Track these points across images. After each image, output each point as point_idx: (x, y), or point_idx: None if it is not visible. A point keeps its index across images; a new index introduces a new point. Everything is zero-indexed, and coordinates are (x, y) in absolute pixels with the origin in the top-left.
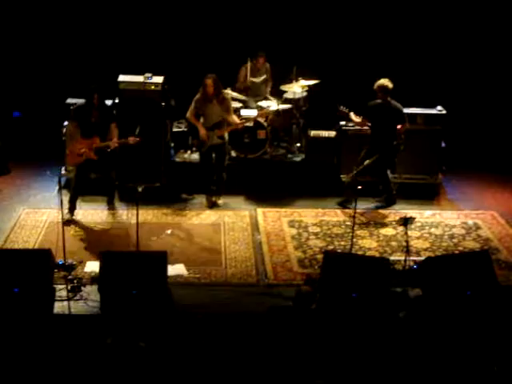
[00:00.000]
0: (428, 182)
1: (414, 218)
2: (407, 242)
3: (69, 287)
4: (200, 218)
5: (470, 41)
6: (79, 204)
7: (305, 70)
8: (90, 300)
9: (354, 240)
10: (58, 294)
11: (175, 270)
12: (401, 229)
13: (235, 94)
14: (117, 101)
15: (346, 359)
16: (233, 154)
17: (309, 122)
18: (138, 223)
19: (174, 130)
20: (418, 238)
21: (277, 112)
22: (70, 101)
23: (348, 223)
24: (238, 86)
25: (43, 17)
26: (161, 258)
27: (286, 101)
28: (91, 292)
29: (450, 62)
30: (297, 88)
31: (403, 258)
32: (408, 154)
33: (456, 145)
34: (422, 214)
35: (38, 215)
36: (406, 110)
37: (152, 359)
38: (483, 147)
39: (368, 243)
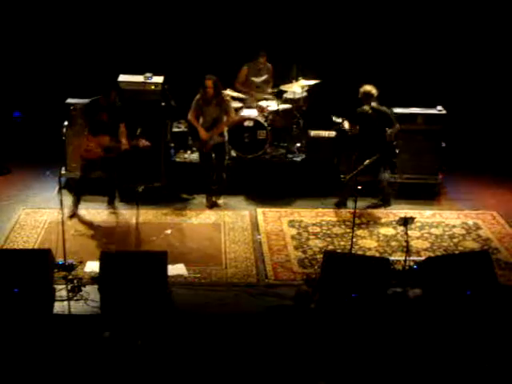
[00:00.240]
0: (428, 182)
1: (414, 218)
2: (407, 242)
3: (69, 287)
4: (200, 218)
5: (470, 41)
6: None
7: (305, 69)
8: (89, 300)
9: (354, 240)
10: (57, 294)
11: (175, 269)
12: (401, 229)
13: (236, 94)
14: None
15: (345, 359)
16: (233, 153)
17: (309, 122)
18: (137, 223)
19: (174, 130)
20: (418, 237)
21: (277, 112)
22: (70, 101)
23: (348, 223)
24: (237, 85)
25: (43, 17)
26: (161, 258)
27: (286, 101)
28: (91, 292)
29: (450, 62)
30: (297, 88)
31: (403, 258)
32: (408, 154)
33: (456, 145)
34: (422, 214)
35: (37, 215)
36: (406, 110)
37: (152, 359)
38: (483, 147)
39: (368, 243)
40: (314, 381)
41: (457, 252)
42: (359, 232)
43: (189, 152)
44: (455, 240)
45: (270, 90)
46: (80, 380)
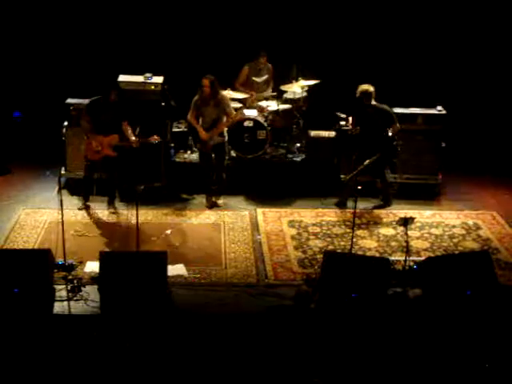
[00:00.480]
0: (428, 182)
1: (414, 218)
2: (407, 242)
3: (69, 287)
4: (200, 218)
5: (470, 41)
6: (79, 204)
7: (305, 69)
8: (89, 300)
9: (354, 240)
10: (57, 294)
11: (175, 270)
12: (401, 229)
13: (236, 94)
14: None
15: (344, 359)
16: (233, 154)
17: (309, 122)
18: (138, 223)
19: (174, 130)
20: (418, 238)
21: (277, 112)
22: (69, 101)
23: (348, 223)
24: (237, 86)
25: (43, 17)
26: (161, 258)
27: (286, 101)
28: (91, 292)
29: (450, 62)
30: (297, 88)
31: (403, 258)
32: (408, 154)
33: (456, 145)
34: (422, 214)
35: (37, 215)
36: (406, 110)
37: (152, 359)
38: (483, 147)
39: (368, 243)
40: (311, 379)
41: (457, 252)
42: (359, 232)
43: (189, 152)
44: (455, 240)
45: (270, 91)
46: (80, 380)
